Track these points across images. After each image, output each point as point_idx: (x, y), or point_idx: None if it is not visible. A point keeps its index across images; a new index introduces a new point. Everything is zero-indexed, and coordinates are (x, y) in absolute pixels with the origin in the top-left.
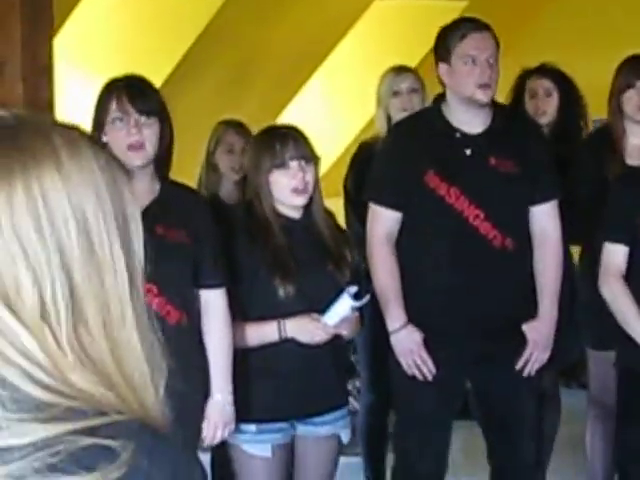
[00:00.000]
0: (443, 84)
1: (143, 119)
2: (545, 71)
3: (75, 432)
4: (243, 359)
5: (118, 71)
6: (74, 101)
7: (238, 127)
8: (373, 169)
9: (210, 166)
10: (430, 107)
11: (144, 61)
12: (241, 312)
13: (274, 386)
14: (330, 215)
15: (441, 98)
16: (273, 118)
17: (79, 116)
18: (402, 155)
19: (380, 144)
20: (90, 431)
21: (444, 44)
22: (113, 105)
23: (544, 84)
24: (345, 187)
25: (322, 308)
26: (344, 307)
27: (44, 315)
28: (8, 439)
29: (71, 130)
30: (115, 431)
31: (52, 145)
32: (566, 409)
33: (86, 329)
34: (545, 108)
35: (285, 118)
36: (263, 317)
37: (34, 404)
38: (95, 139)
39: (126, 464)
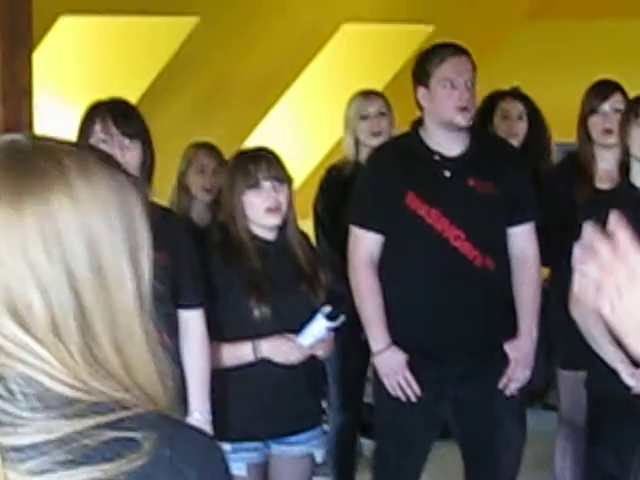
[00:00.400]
0: (421, 108)
1: (127, 142)
2: (517, 94)
3: (98, 426)
4: (219, 379)
5: (89, 94)
6: (46, 122)
7: (209, 148)
8: (354, 193)
9: (182, 188)
10: (408, 131)
11: (115, 85)
12: (217, 333)
13: (249, 406)
14: (304, 237)
15: (419, 122)
16: (241, 141)
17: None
18: (382, 178)
19: (349, 168)
20: (113, 425)
21: (422, 68)
22: (97, 127)
23: (517, 107)
24: (315, 210)
25: (297, 329)
26: (319, 328)
27: (56, 332)
28: (35, 435)
29: (84, 152)
30: (137, 423)
31: (63, 168)
32: (530, 429)
33: (97, 345)
34: (517, 131)
35: (253, 140)
36: (238, 338)
37: (59, 401)
38: (110, 159)
39: (148, 453)
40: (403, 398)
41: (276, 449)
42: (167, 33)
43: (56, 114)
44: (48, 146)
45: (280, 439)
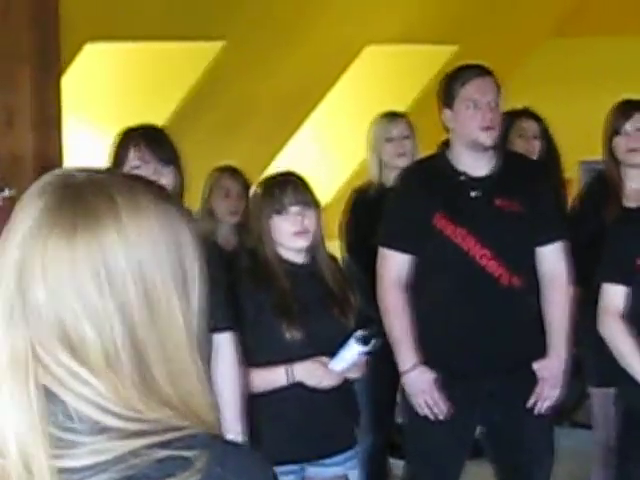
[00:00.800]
0: (447, 129)
1: (161, 167)
2: (532, 114)
3: (152, 446)
4: (252, 403)
5: (116, 120)
6: (74, 149)
7: (233, 172)
8: (384, 214)
9: (206, 212)
10: (436, 153)
11: (141, 110)
12: (248, 357)
13: (283, 429)
14: (334, 259)
15: (446, 144)
16: (266, 164)
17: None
18: (411, 199)
19: (373, 189)
20: (165, 444)
21: (447, 90)
22: (131, 154)
23: (532, 126)
24: (341, 232)
25: (329, 351)
26: (352, 353)
27: (109, 364)
28: (91, 457)
29: (135, 186)
30: (188, 443)
31: (113, 204)
32: (559, 447)
33: (151, 377)
34: (532, 149)
35: (278, 163)
36: (270, 362)
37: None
38: (162, 191)
39: (201, 471)
40: (431, 417)
41: (311, 471)
42: (193, 58)
43: (83, 140)
44: (99, 180)
45: (315, 461)
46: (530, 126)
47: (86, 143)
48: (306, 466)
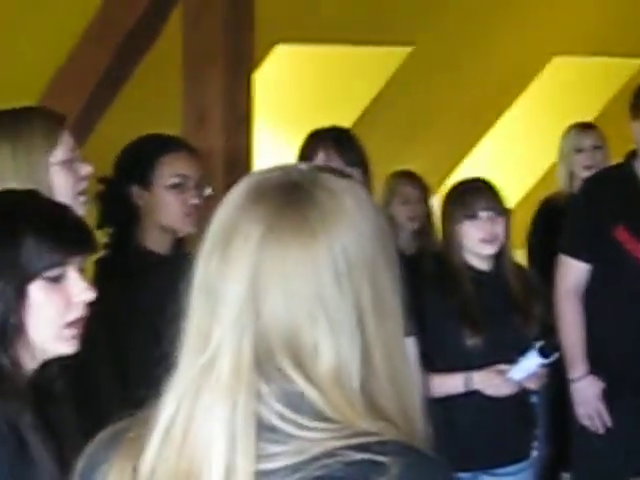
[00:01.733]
0: (638, 141)
1: (350, 170)
2: None
3: (347, 447)
4: (429, 409)
5: (301, 121)
6: (261, 149)
7: (411, 177)
8: (566, 222)
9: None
10: (621, 163)
11: (327, 113)
12: (428, 362)
13: (459, 437)
14: (519, 267)
15: (633, 155)
16: (448, 171)
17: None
18: (593, 208)
19: (563, 199)
20: (361, 447)
21: (638, 102)
22: (320, 156)
23: None
24: (529, 242)
25: (508, 360)
26: (531, 364)
27: (337, 377)
28: (288, 459)
29: (354, 185)
30: (384, 448)
31: (344, 205)
32: None
33: (375, 378)
34: None
35: (460, 171)
36: (450, 368)
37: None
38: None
39: (396, 477)
40: (592, 428)
41: None
42: (380, 62)
43: (269, 140)
44: (324, 179)
45: (490, 470)
46: None
47: (272, 143)
48: (479, 474)
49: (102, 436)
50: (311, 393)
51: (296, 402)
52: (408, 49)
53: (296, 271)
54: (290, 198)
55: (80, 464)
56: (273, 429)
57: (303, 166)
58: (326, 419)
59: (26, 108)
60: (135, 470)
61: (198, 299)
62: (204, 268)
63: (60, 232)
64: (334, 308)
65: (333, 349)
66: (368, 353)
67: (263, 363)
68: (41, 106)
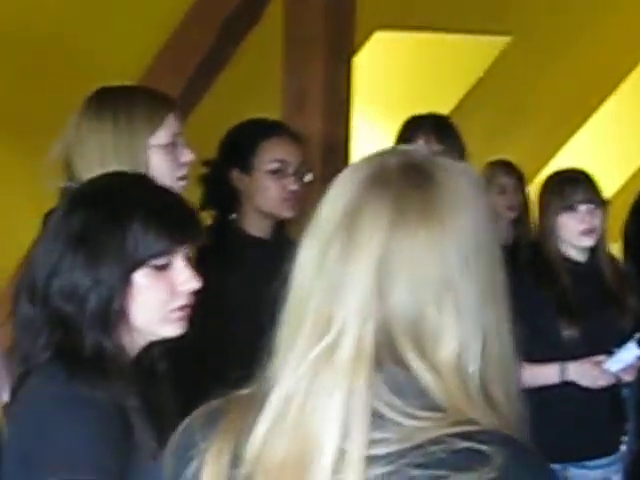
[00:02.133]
0: None
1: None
2: None
3: (453, 435)
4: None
5: (398, 108)
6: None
7: (507, 166)
8: None
9: None
10: None
11: (424, 100)
12: (523, 352)
13: (549, 428)
14: (614, 260)
15: None
16: (545, 161)
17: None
18: None
19: None
20: (464, 435)
21: None
22: (420, 141)
23: None
24: (625, 234)
25: (603, 351)
26: (630, 355)
27: (457, 363)
28: (397, 444)
29: (471, 170)
30: (487, 437)
31: (464, 187)
32: None
33: (488, 364)
34: None
35: (557, 161)
36: (545, 358)
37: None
38: None
39: (500, 468)
40: None
41: (574, 472)
42: (479, 51)
43: (365, 127)
44: (444, 162)
45: (579, 463)
46: None
47: (368, 129)
48: (568, 466)
49: (197, 415)
50: (428, 379)
51: (406, 389)
52: (507, 39)
53: (424, 255)
54: (414, 181)
55: (173, 442)
56: (381, 415)
57: (420, 149)
58: (433, 408)
59: (132, 87)
60: (235, 451)
61: (316, 283)
62: (323, 252)
63: (168, 220)
64: (461, 292)
65: (457, 334)
66: (487, 340)
67: (382, 348)
68: (147, 86)
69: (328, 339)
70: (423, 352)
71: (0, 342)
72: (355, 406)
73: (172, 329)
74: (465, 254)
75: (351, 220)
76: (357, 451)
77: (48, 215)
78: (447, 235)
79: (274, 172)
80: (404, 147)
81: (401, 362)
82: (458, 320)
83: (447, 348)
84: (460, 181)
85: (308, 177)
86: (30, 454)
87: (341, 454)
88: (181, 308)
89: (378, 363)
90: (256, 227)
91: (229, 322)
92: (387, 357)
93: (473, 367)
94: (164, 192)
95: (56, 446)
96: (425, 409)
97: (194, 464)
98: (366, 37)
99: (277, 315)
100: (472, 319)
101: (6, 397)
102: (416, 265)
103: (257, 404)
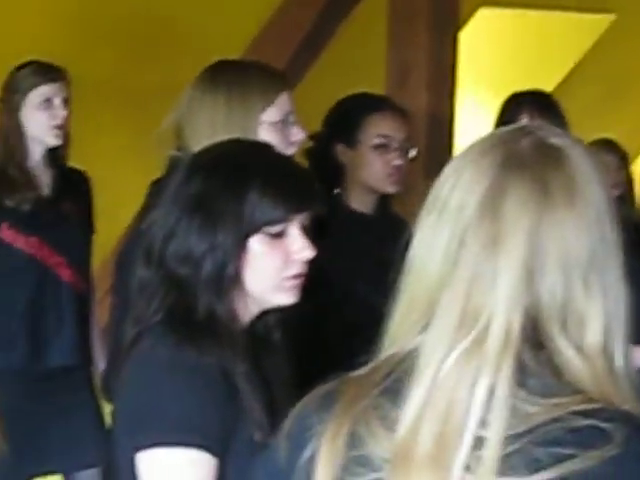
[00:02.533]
0: None
1: None
2: None
3: (574, 413)
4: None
5: (501, 84)
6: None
7: (611, 145)
8: None
9: None
10: None
11: (527, 77)
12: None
13: None
14: None
15: None
16: None
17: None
18: None
19: None
20: (587, 413)
21: None
22: (523, 117)
23: None
24: None
25: None
26: None
27: (603, 344)
28: (528, 423)
29: (588, 146)
30: (608, 415)
31: (592, 163)
32: None
33: (616, 344)
34: None
35: None
36: None
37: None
38: None
39: (620, 445)
40: None
41: None
42: (582, 29)
43: (468, 102)
44: (571, 139)
45: None
46: None
47: (470, 105)
48: None
49: (311, 398)
50: (577, 363)
51: (541, 372)
52: (611, 17)
53: (573, 236)
54: (551, 161)
55: (288, 425)
56: (520, 397)
57: (544, 126)
58: (575, 392)
59: (247, 62)
60: (352, 433)
61: (453, 272)
62: (460, 240)
63: (286, 188)
64: (607, 271)
65: (603, 315)
66: (614, 320)
67: (527, 333)
68: (264, 63)
69: (477, 330)
70: (570, 336)
71: (98, 317)
72: (499, 392)
73: (285, 297)
74: (602, 230)
75: (493, 207)
76: (498, 435)
77: (154, 184)
78: (590, 212)
79: (378, 147)
80: (528, 125)
81: (541, 347)
82: (604, 301)
83: (594, 330)
84: (587, 155)
85: (413, 152)
86: (136, 419)
87: (479, 441)
88: (295, 277)
89: (519, 350)
90: (360, 202)
91: (334, 299)
92: (527, 343)
93: (617, 347)
94: (284, 160)
95: (163, 412)
96: (558, 394)
97: (310, 447)
98: (471, 13)
99: (391, 299)
100: (615, 298)
101: (102, 366)
102: (566, 247)
103: (375, 387)
